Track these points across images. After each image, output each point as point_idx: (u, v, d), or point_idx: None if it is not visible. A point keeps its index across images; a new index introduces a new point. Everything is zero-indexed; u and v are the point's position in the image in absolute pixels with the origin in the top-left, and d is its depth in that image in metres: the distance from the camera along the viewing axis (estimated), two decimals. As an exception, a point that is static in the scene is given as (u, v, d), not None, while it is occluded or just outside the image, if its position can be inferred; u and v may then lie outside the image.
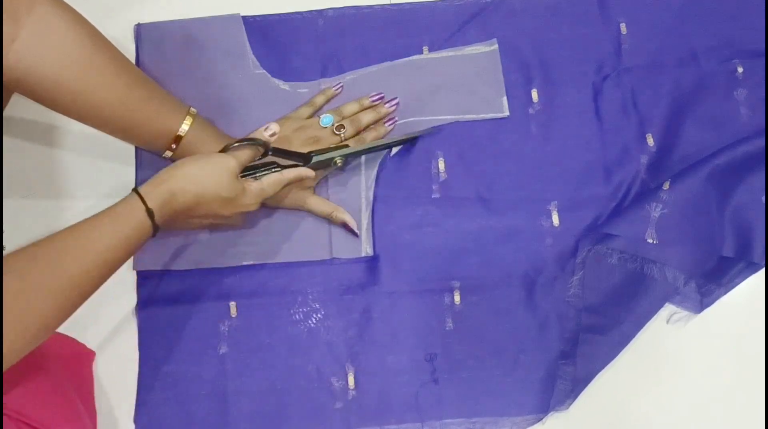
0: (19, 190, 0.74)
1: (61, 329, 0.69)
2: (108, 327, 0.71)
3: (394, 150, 0.76)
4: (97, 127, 0.65)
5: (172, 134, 0.66)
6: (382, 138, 0.75)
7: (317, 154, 0.70)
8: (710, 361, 0.69)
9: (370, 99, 0.75)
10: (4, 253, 0.70)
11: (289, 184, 0.69)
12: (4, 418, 0.54)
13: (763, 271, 0.71)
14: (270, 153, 0.67)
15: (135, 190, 0.59)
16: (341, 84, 0.76)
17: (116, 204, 0.59)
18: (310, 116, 0.75)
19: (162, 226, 0.60)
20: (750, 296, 0.71)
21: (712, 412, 0.68)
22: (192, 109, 0.67)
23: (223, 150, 0.65)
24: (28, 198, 0.74)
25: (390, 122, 0.75)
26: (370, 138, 0.74)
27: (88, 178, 0.75)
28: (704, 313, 0.70)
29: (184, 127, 0.66)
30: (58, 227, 0.72)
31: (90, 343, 0.70)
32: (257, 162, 0.67)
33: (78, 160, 0.75)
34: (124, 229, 0.58)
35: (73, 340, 0.69)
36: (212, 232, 0.73)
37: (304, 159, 0.69)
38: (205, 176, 0.61)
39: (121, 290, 0.71)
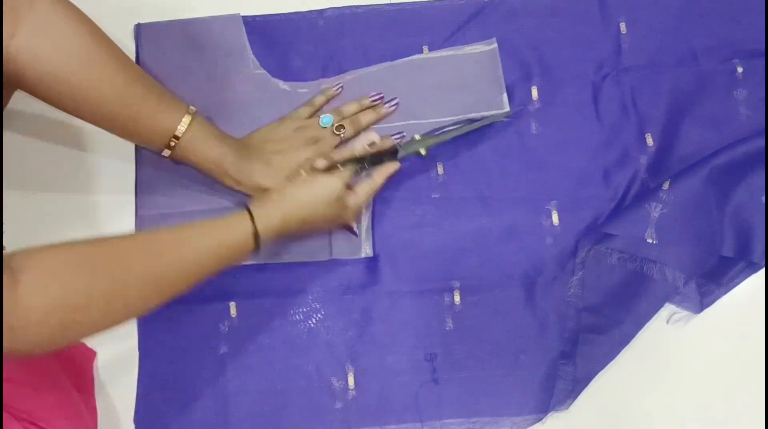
0: (19, 188, 0.74)
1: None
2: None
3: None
4: (96, 123, 0.65)
5: (170, 133, 0.66)
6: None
7: (402, 147, 0.72)
8: (710, 361, 0.69)
9: (370, 99, 0.75)
10: (4, 252, 0.70)
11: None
12: (8, 417, 0.54)
13: (763, 271, 0.71)
14: (367, 165, 0.70)
15: (247, 208, 0.62)
16: (341, 84, 0.76)
17: (227, 217, 0.62)
18: (310, 116, 0.75)
19: (264, 244, 0.63)
20: (750, 296, 0.71)
21: (713, 412, 0.68)
22: (191, 107, 0.67)
23: (330, 168, 0.68)
24: (28, 197, 0.74)
25: (389, 105, 0.75)
26: (365, 122, 0.74)
27: (89, 176, 0.75)
28: (704, 313, 0.70)
29: (182, 126, 0.66)
30: (57, 226, 0.72)
31: (90, 343, 0.70)
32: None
33: (79, 158, 0.75)
34: (228, 243, 0.61)
35: (73, 340, 0.69)
36: None
37: (390, 155, 0.72)
38: (314, 202, 0.65)
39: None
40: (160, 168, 0.74)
